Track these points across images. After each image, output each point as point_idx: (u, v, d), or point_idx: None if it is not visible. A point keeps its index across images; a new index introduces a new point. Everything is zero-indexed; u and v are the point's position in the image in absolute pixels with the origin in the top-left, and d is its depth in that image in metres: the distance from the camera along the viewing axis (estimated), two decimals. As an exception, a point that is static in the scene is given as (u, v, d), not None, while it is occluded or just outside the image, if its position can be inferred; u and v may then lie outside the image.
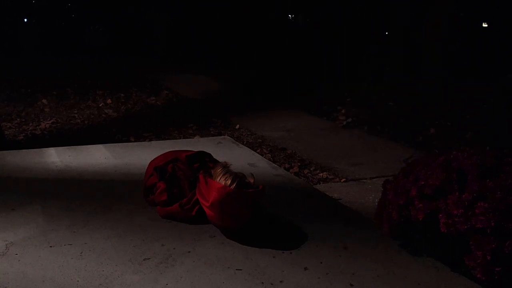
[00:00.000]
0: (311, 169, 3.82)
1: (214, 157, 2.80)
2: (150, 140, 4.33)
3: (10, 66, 8.46)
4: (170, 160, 2.65)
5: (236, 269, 1.99)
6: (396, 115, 5.57)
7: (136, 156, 3.45)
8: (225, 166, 2.39)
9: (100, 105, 5.88)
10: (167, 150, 2.88)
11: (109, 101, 6.08)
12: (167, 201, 2.45)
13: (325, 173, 3.73)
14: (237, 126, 5.05)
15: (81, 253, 2.07)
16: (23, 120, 5.11)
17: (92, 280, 1.87)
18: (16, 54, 9.67)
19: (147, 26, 12.87)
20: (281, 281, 1.92)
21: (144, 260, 2.03)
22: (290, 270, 2.00)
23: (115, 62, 9.56)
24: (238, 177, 2.30)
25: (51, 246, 2.12)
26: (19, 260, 1.99)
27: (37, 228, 2.28)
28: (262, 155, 3.86)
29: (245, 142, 4.41)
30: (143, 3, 13.02)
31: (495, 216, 1.90)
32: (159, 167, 2.62)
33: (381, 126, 5.19)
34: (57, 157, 3.36)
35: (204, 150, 2.85)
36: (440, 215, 2.00)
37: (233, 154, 3.57)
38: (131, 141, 4.33)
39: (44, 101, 5.91)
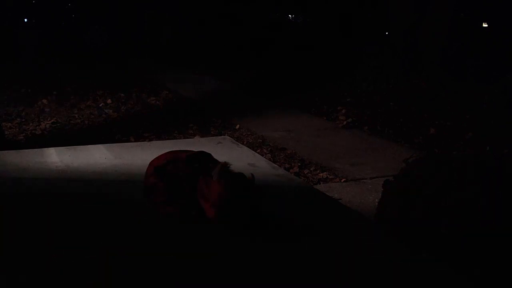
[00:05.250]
0: (311, 169, 3.82)
1: (214, 157, 2.79)
2: (150, 140, 4.33)
3: (10, 66, 8.46)
4: (170, 160, 2.64)
5: (236, 270, 1.99)
6: (396, 115, 5.57)
7: (136, 156, 3.45)
8: (225, 166, 2.39)
9: (100, 105, 5.88)
10: (167, 150, 2.87)
11: (109, 101, 6.08)
12: (167, 201, 2.45)
13: (325, 173, 3.72)
14: (237, 126, 5.04)
15: (82, 253, 2.07)
16: (23, 120, 5.11)
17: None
18: (16, 54, 9.65)
19: (147, 26, 12.87)
20: (281, 282, 1.92)
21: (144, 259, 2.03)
22: (290, 270, 2.00)
23: (115, 62, 9.55)
24: (238, 178, 2.30)
25: (51, 247, 2.12)
26: (19, 260, 2.00)
27: (37, 228, 2.28)
28: (262, 155, 3.86)
29: (245, 142, 4.40)
30: (144, 4, 13.02)
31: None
32: (159, 167, 2.61)
33: (381, 126, 5.19)
34: (57, 157, 3.36)
35: (204, 150, 2.84)
36: (441, 215, 2.00)
37: (233, 154, 3.57)
38: (131, 141, 4.33)
39: (44, 101, 5.91)
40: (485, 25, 11.85)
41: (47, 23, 13.37)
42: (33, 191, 2.73)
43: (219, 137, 4.31)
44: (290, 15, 15.87)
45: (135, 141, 4.34)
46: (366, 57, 7.48)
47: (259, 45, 11.03)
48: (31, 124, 4.96)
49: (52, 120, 5.09)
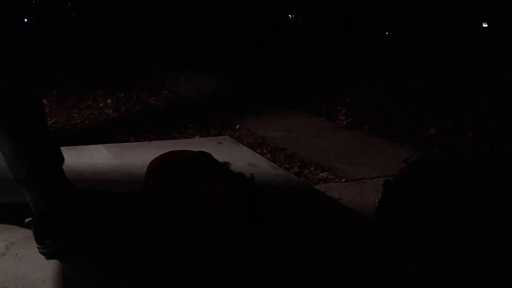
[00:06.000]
0: (311, 169, 3.82)
1: (214, 157, 2.79)
2: (150, 140, 4.33)
3: (10, 66, 8.44)
4: (170, 160, 2.65)
5: (236, 270, 1.99)
6: (396, 115, 5.57)
7: (136, 156, 3.45)
8: (225, 166, 2.39)
9: (100, 105, 5.88)
10: (167, 150, 2.87)
11: (109, 101, 6.08)
12: (166, 201, 2.45)
13: (325, 173, 3.72)
14: (237, 126, 5.04)
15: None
16: (23, 120, 5.10)
17: (92, 280, 1.87)
18: (16, 54, 9.65)
19: (147, 26, 12.87)
20: (281, 282, 1.92)
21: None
22: (290, 270, 2.00)
23: (115, 62, 9.56)
24: (238, 178, 2.30)
25: (51, 246, 2.12)
26: (19, 260, 1.99)
27: (37, 228, 2.28)
28: (262, 155, 3.86)
29: (245, 142, 4.40)
30: (144, 4, 13.02)
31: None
32: (159, 167, 2.61)
33: (381, 126, 5.19)
34: (57, 157, 3.35)
35: (204, 150, 2.84)
36: (441, 215, 2.00)
37: (233, 154, 3.57)
38: (131, 141, 4.33)
39: (44, 101, 5.91)
40: (485, 25, 11.86)
41: (47, 23, 13.38)
42: (33, 191, 2.73)
43: (219, 137, 4.31)
44: (290, 15, 15.88)
45: (135, 141, 4.34)
46: (366, 57, 7.48)
47: (259, 45, 11.03)
48: (31, 124, 4.96)
49: (52, 120, 5.09)
